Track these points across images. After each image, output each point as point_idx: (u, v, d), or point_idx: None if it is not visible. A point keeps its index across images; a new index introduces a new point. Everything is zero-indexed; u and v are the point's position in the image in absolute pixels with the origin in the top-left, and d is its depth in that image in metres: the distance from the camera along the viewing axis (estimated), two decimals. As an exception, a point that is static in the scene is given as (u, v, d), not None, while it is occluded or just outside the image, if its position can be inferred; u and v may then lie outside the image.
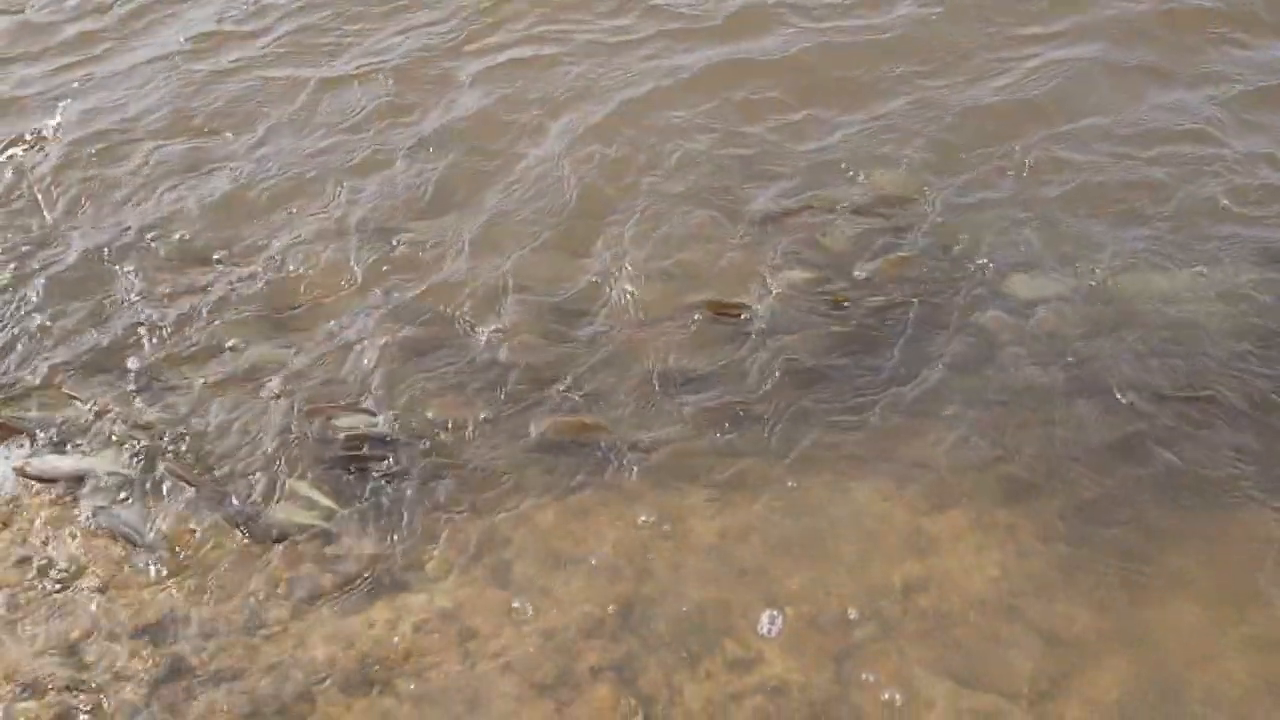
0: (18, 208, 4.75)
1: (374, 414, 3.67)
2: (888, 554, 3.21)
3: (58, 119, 5.21)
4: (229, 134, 5.05)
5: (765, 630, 3.03)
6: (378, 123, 5.04)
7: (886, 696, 2.89)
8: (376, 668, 3.01)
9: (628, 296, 4.07)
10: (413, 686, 2.97)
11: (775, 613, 3.07)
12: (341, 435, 3.60)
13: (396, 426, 3.64)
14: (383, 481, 3.47)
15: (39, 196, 4.80)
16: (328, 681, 2.97)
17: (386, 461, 3.52)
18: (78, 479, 3.52)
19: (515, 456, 3.51)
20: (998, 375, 3.73)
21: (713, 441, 3.51)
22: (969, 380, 3.71)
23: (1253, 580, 3.21)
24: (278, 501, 3.44)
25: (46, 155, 4.99)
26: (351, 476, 3.51)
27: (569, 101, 5.06)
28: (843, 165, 4.61)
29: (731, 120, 4.92)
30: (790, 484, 3.37)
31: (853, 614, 3.08)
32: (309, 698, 2.95)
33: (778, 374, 3.71)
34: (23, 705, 2.89)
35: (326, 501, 3.42)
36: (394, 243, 4.39)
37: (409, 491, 3.44)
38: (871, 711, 2.86)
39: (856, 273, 4.09)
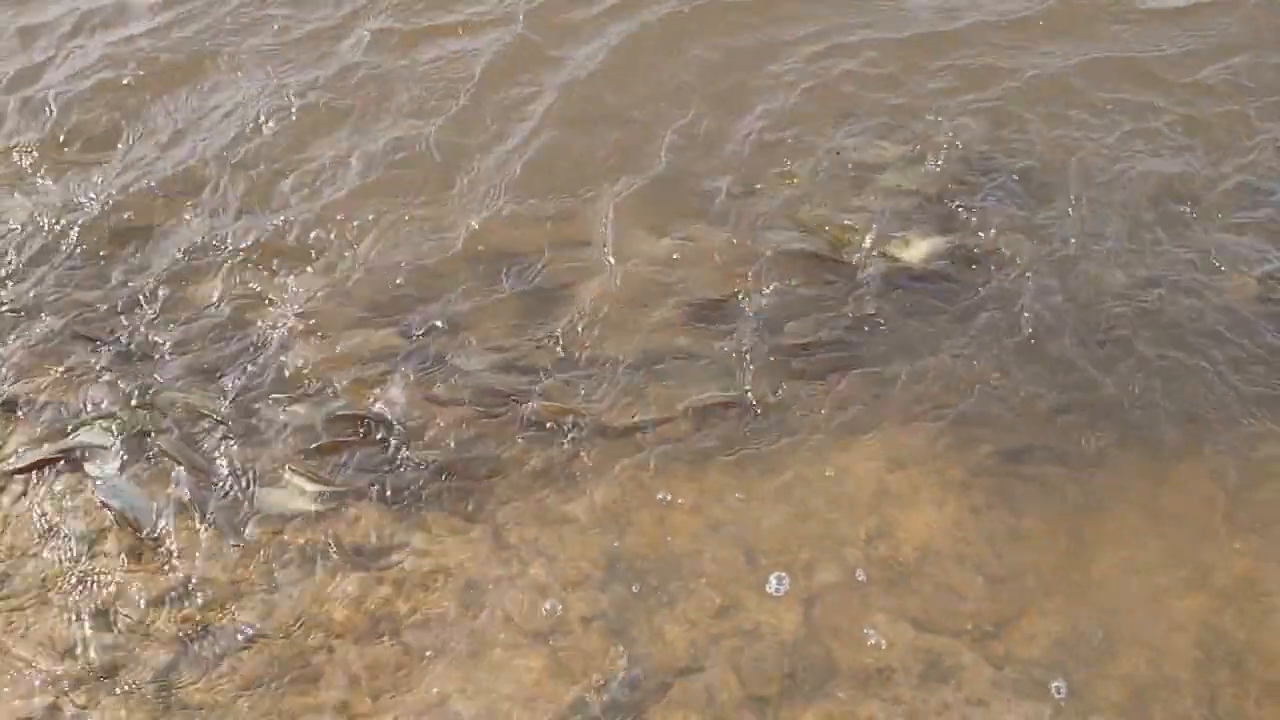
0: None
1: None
2: (853, 509, 3.51)
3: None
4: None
5: (774, 589, 3.32)
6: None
7: (849, 639, 3.21)
8: (385, 621, 3.30)
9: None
10: (420, 636, 3.26)
11: (782, 573, 3.36)
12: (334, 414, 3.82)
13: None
14: (378, 458, 3.71)
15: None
16: (344, 636, 3.26)
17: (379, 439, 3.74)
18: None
19: (505, 434, 3.76)
20: (956, 341, 4.01)
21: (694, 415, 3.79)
22: (929, 347, 3.99)
23: (1189, 529, 3.53)
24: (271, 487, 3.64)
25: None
26: (343, 456, 3.71)
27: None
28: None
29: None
30: (766, 448, 3.66)
31: (821, 563, 3.40)
32: (327, 648, 3.25)
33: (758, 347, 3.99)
34: (63, 667, 3.16)
35: (315, 488, 3.61)
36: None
37: (404, 468, 3.68)
38: (835, 652, 3.18)
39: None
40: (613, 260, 4.31)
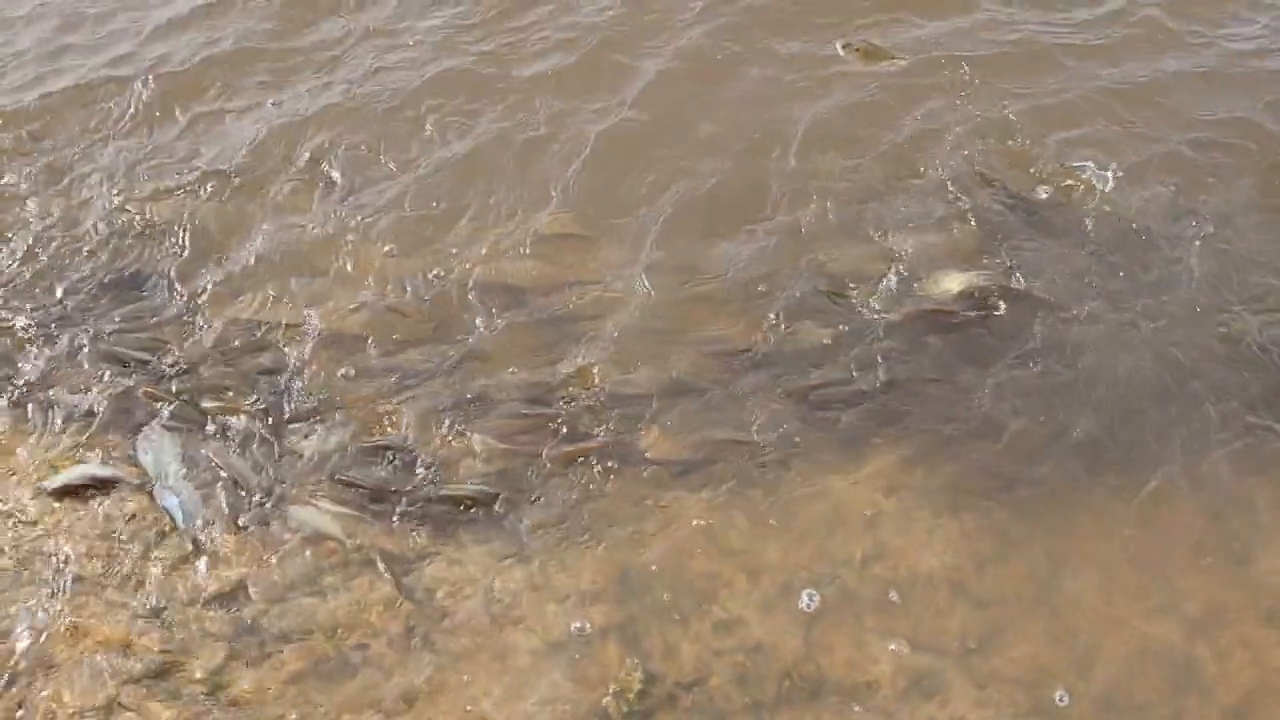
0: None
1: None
2: (850, 533, 3.80)
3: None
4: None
5: (805, 606, 3.60)
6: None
7: (843, 655, 3.49)
8: (418, 626, 3.59)
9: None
10: (450, 641, 3.55)
11: (813, 591, 3.64)
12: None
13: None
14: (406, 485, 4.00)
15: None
16: (379, 638, 3.55)
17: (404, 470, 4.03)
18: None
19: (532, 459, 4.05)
20: (960, 376, 4.29)
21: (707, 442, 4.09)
22: (925, 381, 4.27)
23: (1161, 560, 3.81)
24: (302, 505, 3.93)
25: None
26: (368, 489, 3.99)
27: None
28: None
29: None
30: (771, 476, 3.95)
31: (820, 583, 3.67)
32: (363, 649, 3.54)
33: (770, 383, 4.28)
34: (123, 663, 3.46)
35: (340, 511, 3.89)
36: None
37: (429, 489, 3.98)
38: (830, 669, 3.46)
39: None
40: (641, 292, 4.61)
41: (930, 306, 4.51)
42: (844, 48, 5.66)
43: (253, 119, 5.60)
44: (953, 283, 4.60)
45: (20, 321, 4.63)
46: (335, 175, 5.26)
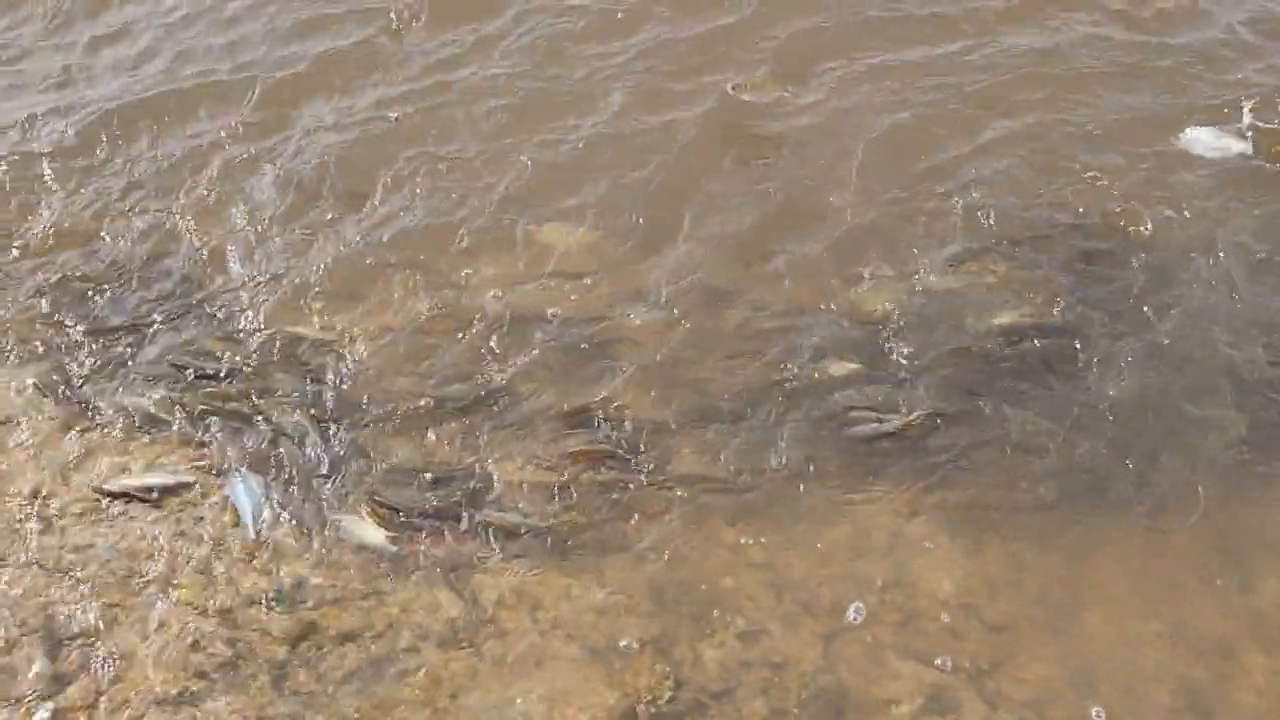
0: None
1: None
2: (871, 557, 4.02)
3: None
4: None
5: (852, 618, 3.83)
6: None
7: (861, 670, 3.71)
8: (464, 631, 3.85)
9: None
10: (493, 645, 3.81)
11: (860, 604, 3.87)
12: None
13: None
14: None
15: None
16: (428, 640, 3.81)
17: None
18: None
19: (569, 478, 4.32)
20: (974, 406, 4.50)
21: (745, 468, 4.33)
22: (949, 413, 4.48)
23: (1168, 588, 4.01)
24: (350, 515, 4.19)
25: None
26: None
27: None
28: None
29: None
30: (797, 498, 4.18)
31: (841, 603, 3.90)
32: (414, 650, 3.80)
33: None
34: (192, 656, 3.75)
35: (382, 531, 4.13)
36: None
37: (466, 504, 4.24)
38: (848, 683, 3.69)
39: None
40: (674, 318, 4.86)
41: (961, 341, 4.71)
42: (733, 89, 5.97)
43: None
44: (998, 317, 4.80)
45: (82, 320, 4.96)
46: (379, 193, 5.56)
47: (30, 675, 3.69)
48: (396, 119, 5.94)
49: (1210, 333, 4.79)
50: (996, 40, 6.23)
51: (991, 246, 5.17)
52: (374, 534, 4.12)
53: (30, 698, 3.64)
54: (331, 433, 4.48)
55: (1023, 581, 4.01)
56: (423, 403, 4.59)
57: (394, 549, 4.08)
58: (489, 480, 4.32)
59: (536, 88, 6.07)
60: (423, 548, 4.07)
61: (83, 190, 5.69)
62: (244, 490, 4.21)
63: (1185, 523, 4.18)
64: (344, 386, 4.67)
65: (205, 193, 5.65)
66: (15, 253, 5.35)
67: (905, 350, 4.66)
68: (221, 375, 4.71)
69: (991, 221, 5.27)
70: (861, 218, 5.31)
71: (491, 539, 4.10)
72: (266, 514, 4.15)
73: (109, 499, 4.23)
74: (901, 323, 4.78)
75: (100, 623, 3.83)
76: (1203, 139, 5.59)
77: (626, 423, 4.45)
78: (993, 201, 5.36)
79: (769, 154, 5.68)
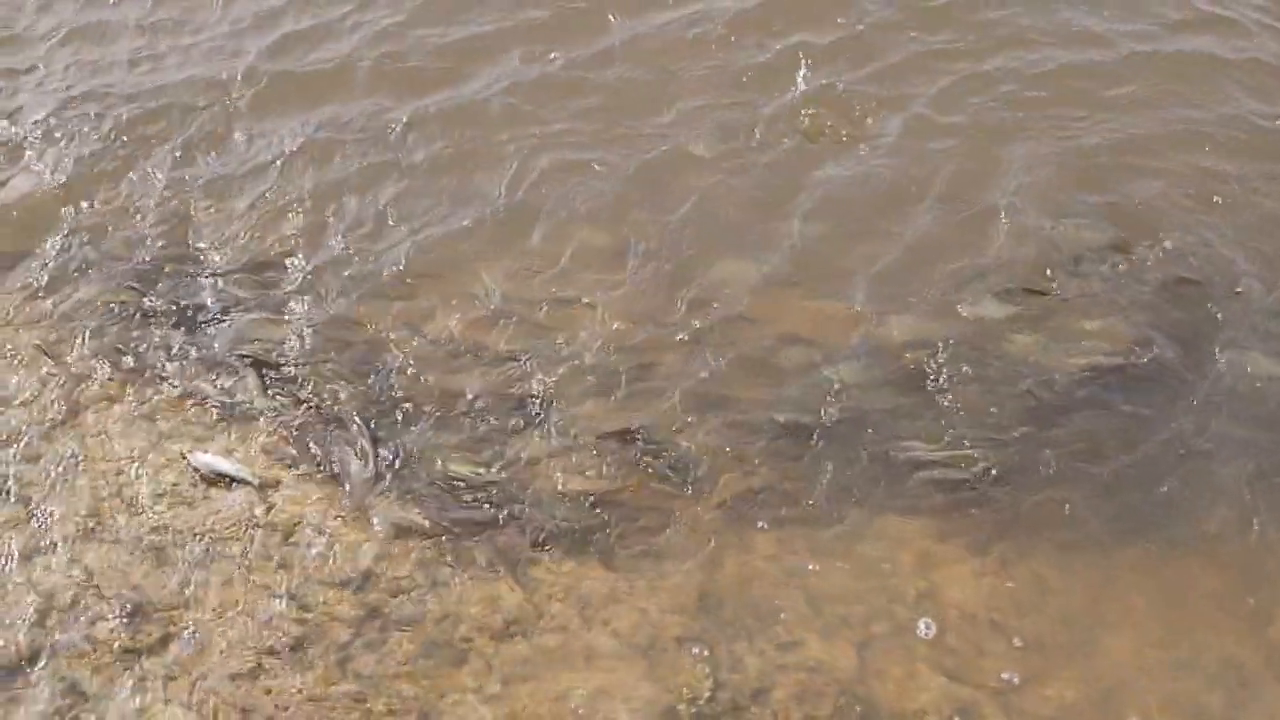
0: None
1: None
2: (905, 573, 4.21)
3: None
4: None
5: (922, 633, 4.03)
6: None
7: (893, 682, 3.92)
8: (517, 624, 4.08)
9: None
10: (544, 639, 4.04)
11: (929, 620, 4.07)
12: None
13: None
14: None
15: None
16: (483, 631, 4.05)
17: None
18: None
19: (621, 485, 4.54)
20: (1005, 434, 4.68)
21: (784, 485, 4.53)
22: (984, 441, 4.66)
23: (1188, 617, 4.18)
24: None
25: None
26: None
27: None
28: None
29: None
30: (836, 516, 4.39)
31: (874, 617, 4.10)
32: (468, 639, 4.04)
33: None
34: (264, 635, 4.01)
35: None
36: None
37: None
38: (880, 691, 3.89)
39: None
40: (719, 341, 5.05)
41: (1001, 371, 4.87)
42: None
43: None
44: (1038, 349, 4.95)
45: (153, 299, 5.26)
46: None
47: (112, 645, 3.97)
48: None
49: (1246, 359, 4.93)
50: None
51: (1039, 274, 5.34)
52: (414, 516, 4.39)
53: (112, 664, 3.93)
54: (385, 430, 4.74)
55: (1048, 604, 4.19)
56: (476, 402, 4.84)
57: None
58: (538, 481, 4.56)
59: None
60: (481, 537, 4.32)
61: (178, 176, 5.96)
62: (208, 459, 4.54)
63: (1208, 554, 4.35)
64: (399, 385, 4.92)
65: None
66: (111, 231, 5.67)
67: (944, 379, 4.83)
68: (286, 365, 4.98)
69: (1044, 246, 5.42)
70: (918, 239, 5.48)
71: (543, 538, 4.34)
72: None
73: (194, 475, 4.52)
74: (945, 352, 4.93)
75: (178, 598, 4.11)
76: None
77: (672, 437, 4.67)
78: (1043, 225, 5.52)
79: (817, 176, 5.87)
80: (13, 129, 6.24)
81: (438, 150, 5.99)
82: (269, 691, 3.86)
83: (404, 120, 6.13)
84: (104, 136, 6.15)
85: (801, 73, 6.20)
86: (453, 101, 6.24)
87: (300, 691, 3.86)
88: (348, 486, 4.51)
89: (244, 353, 5.01)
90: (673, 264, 5.38)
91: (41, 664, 3.94)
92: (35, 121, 6.26)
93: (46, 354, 5.01)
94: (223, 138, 6.15)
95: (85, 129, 6.19)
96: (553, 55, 6.42)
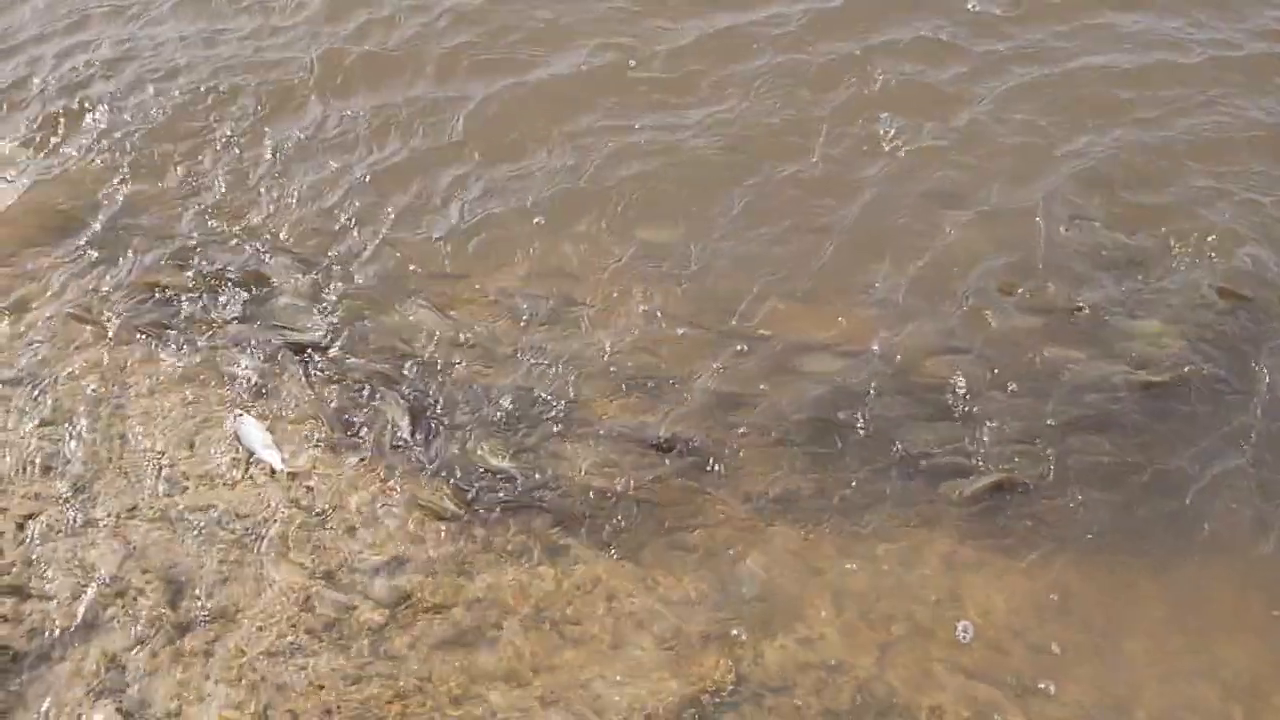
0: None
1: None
2: (927, 576, 4.29)
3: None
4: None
5: (961, 636, 4.10)
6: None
7: (912, 679, 3.99)
8: (546, 612, 4.19)
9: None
10: (572, 628, 4.15)
11: (968, 623, 4.14)
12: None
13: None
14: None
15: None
16: (513, 617, 4.16)
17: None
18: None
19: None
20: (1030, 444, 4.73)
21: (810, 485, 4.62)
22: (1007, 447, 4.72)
23: (1211, 625, 4.24)
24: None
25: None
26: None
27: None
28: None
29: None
30: (861, 518, 4.47)
31: (895, 617, 4.18)
32: (498, 625, 4.15)
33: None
34: (302, 614, 4.13)
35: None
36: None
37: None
38: (898, 690, 3.97)
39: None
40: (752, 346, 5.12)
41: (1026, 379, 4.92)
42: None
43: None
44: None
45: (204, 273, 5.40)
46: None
47: (153, 620, 4.10)
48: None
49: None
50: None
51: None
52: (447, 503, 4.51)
53: (153, 639, 4.06)
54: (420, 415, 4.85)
55: (1070, 609, 4.25)
56: (511, 393, 4.94)
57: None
58: (568, 474, 4.65)
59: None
60: (512, 528, 4.43)
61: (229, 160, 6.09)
62: (249, 429, 4.69)
63: (1226, 567, 4.40)
64: (437, 371, 5.03)
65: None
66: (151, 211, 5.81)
67: (975, 387, 4.89)
68: (328, 344, 5.11)
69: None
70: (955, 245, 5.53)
71: (576, 527, 4.44)
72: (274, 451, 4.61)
73: (234, 455, 4.65)
74: (976, 360, 4.99)
75: (218, 576, 4.25)
76: None
77: (702, 435, 4.76)
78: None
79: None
80: (86, 97, 6.42)
81: (498, 138, 6.10)
82: (305, 669, 3.99)
83: (470, 105, 6.24)
84: (178, 110, 6.33)
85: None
86: (521, 89, 6.36)
87: (335, 670, 3.99)
88: (383, 459, 4.64)
89: (286, 332, 5.15)
90: (718, 264, 5.48)
91: (85, 637, 4.09)
92: (113, 93, 6.44)
93: (90, 325, 5.16)
94: (294, 115, 6.30)
95: (163, 102, 6.37)
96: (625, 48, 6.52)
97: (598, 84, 6.33)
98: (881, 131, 5.97)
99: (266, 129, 6.20)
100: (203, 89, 6.44)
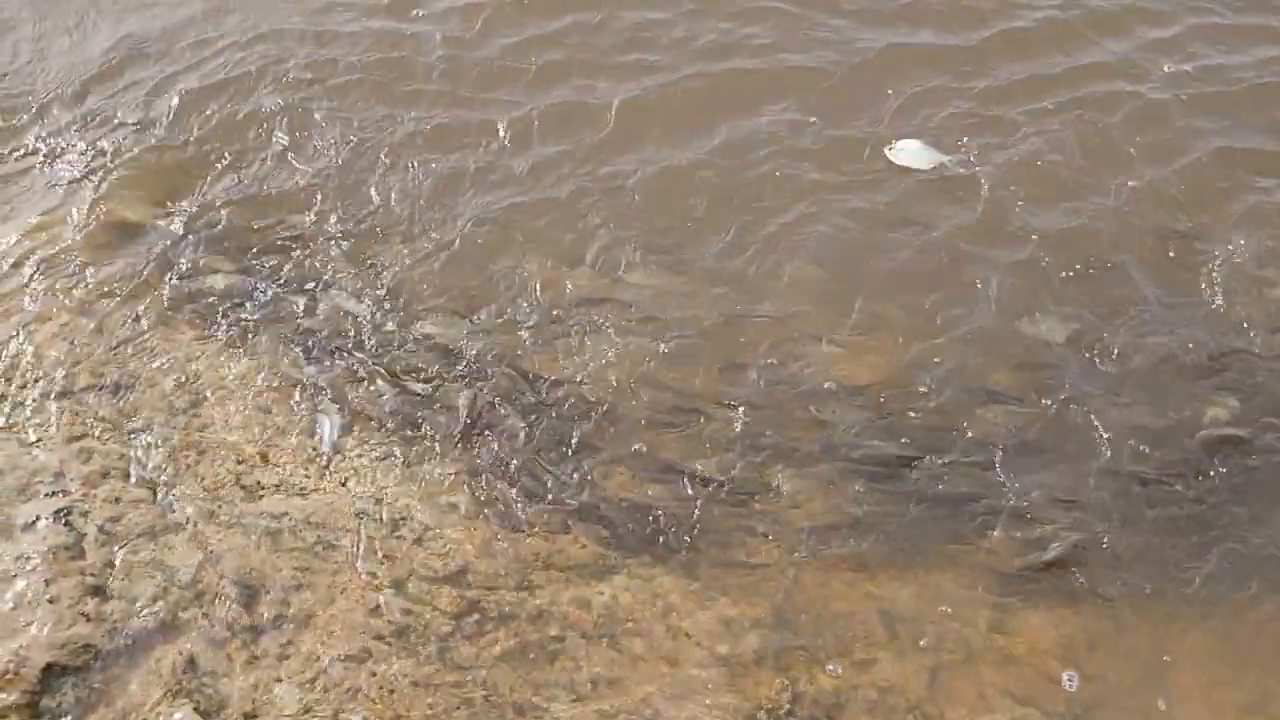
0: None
1: None
2: (979, 601, 4.39)
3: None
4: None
5: (1066, 685, 4.19)
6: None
7: (962, 704, 4.10)
8: (605, 626, 4.32)
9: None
10: (631, 643, 4.28)
11: (1072, 673, 4.23)
12: None
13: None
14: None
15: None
16: (573, 631, 4.30)
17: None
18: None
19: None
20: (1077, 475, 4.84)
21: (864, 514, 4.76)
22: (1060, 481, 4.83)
23: (1257, 660, 4.32)
24: None
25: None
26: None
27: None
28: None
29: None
30: (913, 546, 4.60)
31: (945, 641, 4.28)
32: (559, 638, 4.29)
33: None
34: (372, 621, 4.29)
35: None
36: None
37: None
38: (949, 713, 4.08)
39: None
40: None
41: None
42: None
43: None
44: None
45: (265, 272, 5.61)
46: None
47: (229, 623, 4.27)
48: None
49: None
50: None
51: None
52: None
53: (229, 642, 4.23)
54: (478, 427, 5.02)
55: (1118, 640, 4.34)
56: (565, 403, 5.11)
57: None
58: (623, 491, 4.80)
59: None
60: (573, 542, 4.58)
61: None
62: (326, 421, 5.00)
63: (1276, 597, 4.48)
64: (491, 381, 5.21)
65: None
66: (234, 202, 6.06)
67: (1033, 428, 4.99)
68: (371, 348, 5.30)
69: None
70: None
71: (634, 544, 4.58)
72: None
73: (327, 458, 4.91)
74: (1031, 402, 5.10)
75: (291, 583, 4.41)
76: None
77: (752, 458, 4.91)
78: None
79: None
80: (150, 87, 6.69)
81: (551, 152, 6.27)
82: (375, 675, 4.15)
83: (530, 117, 6.43)
84: (242, 102, 6.57)
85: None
86: (573, 103, 6.54)
87: (405, 676, 4.14)
88: (454, 470, 4.83)
89: (345, 334, 5.35)
90: (753, 284, 5.63)
91: (164, 638, 4.27)
92: (183, 88, 6.68)
93: (174, 329, 5.37)
94: (359, 116, 6.52)
95: (226, 96, 6.61)
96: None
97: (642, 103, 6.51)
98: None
99: (331, 127, 6.41)
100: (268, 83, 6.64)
